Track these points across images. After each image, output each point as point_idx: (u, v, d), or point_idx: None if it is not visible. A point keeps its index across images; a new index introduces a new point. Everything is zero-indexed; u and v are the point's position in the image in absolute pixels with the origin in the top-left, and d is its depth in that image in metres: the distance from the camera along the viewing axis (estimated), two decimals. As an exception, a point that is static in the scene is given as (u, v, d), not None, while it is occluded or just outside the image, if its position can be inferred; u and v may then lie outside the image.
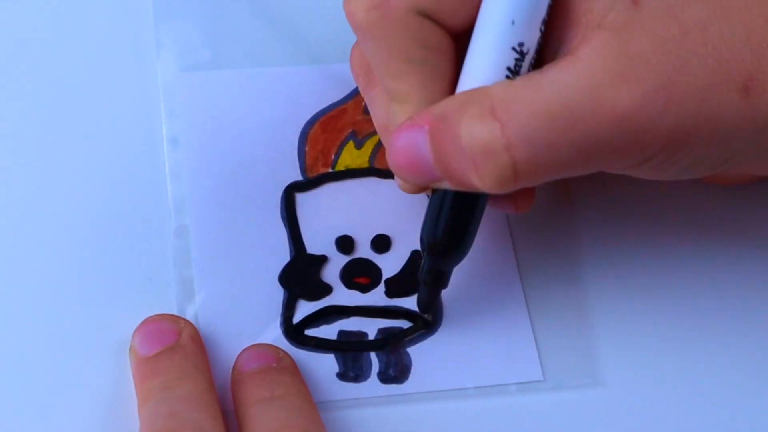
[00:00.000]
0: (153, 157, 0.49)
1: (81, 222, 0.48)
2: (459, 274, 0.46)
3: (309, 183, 0.49)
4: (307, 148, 0.50)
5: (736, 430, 0.46)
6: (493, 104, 0.40)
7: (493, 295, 0.48)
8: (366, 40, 0.43)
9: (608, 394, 0.46)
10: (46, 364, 0.45)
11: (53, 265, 0.47)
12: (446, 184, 0.42)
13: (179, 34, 0.52)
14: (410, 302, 0.47)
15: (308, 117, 0.51)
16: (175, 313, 0.46)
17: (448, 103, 0.41)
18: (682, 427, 0.46)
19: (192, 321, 0.46)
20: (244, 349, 0.45)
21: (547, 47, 0.42)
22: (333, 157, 0.50)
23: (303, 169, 0.50)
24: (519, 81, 0.40)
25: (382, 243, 0.48)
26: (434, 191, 0.44)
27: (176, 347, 0.44)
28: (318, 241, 0.48)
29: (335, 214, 0.49)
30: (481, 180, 0.40)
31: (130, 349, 0.45)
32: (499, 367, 0.46)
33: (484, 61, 0.41)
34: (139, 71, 0.51)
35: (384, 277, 0.48)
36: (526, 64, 0.41)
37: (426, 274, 0.45)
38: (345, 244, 0.48)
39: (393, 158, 0.42)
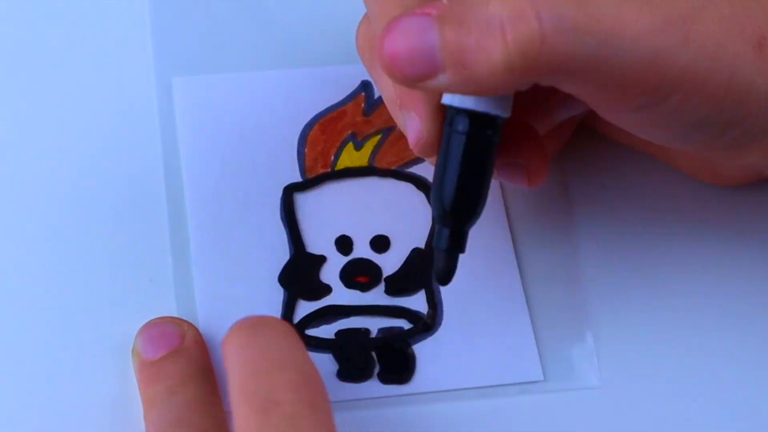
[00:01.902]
0: (152, 159, 0.49)
1: (81, 223, 0.48)
2: (459, 273, 0.45)
3: (308, 183, 0.49)
4: (306, 150, 0.50)
5: (736, 430, 0.46)
6: None
7: (493, 295, 0.48)
8: None
9: (608, 395, 0.46)
10: (46, 365, 0.45)
11: (53, 266, 0.47)
12: (442, 80, 0.40)
13: (176, 38, 0.52)
14: (410, 301, 0.47)
15: (307, 119, 0.50)
16: (175, 313, 0.46)
17: None
18: (681, 428, 0.46)
19: (192, 321, 0.46)
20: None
21: None
22: (332, 158, 0.50)
23: (302, 170, 0.49)
24: None
25: (381, 243, 0.48)
26: (438, 156, 0.42)
27: (180, 351, 0.44)
28: (317, 241, 0.48)
29: (335, 214, 0.49)
30: (504, 47, 0.39)
31: (132, 352, 0.45)
32: (499, 367, 0.46)
33: None
34: (136, 75, 0.51)
35: (384, 275, 0.48)
36: None
37: (443, 240, 0.43)
38: (344, 244, 0.48)
39: (389, 45, 0.40)
